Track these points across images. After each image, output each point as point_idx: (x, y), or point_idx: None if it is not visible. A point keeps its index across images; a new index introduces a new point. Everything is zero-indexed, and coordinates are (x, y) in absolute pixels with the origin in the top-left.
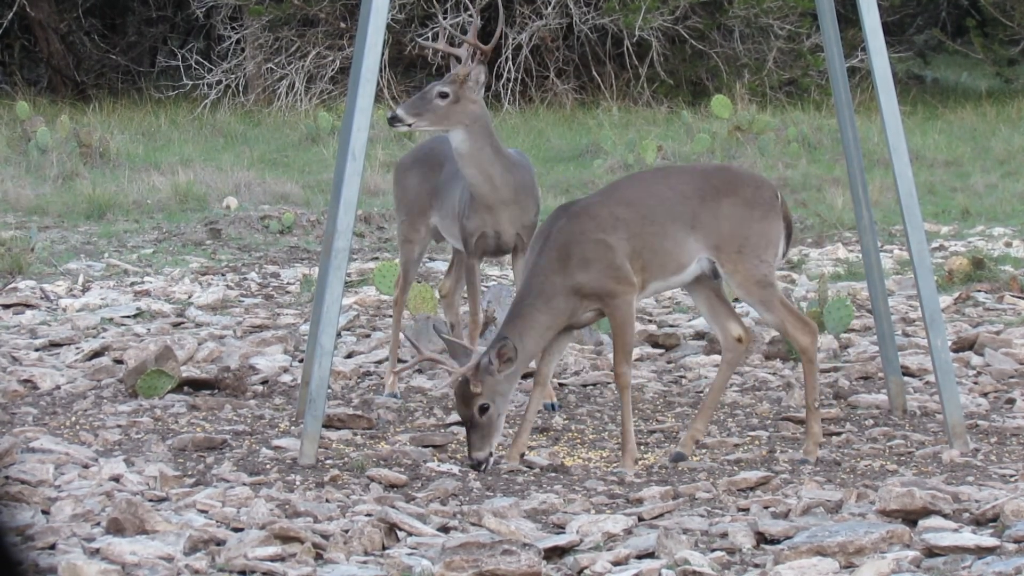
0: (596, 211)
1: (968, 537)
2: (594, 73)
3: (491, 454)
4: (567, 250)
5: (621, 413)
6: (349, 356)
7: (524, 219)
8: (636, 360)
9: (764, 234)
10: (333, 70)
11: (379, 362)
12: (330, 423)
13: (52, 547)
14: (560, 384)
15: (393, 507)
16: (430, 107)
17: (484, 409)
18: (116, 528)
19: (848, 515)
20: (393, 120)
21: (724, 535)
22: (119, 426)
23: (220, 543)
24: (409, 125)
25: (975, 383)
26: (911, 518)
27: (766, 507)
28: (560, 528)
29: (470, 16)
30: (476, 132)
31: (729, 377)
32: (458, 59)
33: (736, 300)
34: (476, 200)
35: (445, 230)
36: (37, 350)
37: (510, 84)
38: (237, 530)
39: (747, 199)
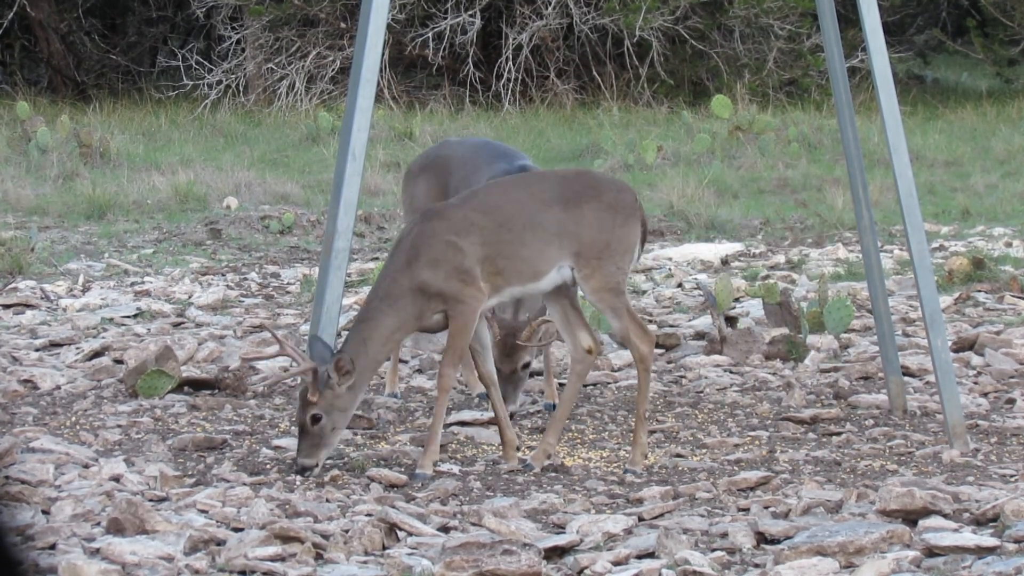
0: (451, 214)
1: (968, 537)
2: (594, 73)
3: (318, 464)
4: (416, 250)
5: (434, 411)
6: None
7: None
8: None
9: (624, 240)
10: (333, 70)
11: None
12: None
13: (52, 547)
14: (560, 384)
15: (393, 507)
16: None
17: (316, 419)
18: (116, 528)
19: (848, 515)
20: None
21: (724, 535)
22: (119, 426)
23: (220, 543)
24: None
25: (975, 383)
26: (911, 518)
27: (766, 507)
28: (560, 528)
29: (471, 17)
30: None
31: (579, 388)
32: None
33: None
34: None
35: None
36: (37, 350)
37: (510, 84)
38: (237, 530)
39: (609, 204)
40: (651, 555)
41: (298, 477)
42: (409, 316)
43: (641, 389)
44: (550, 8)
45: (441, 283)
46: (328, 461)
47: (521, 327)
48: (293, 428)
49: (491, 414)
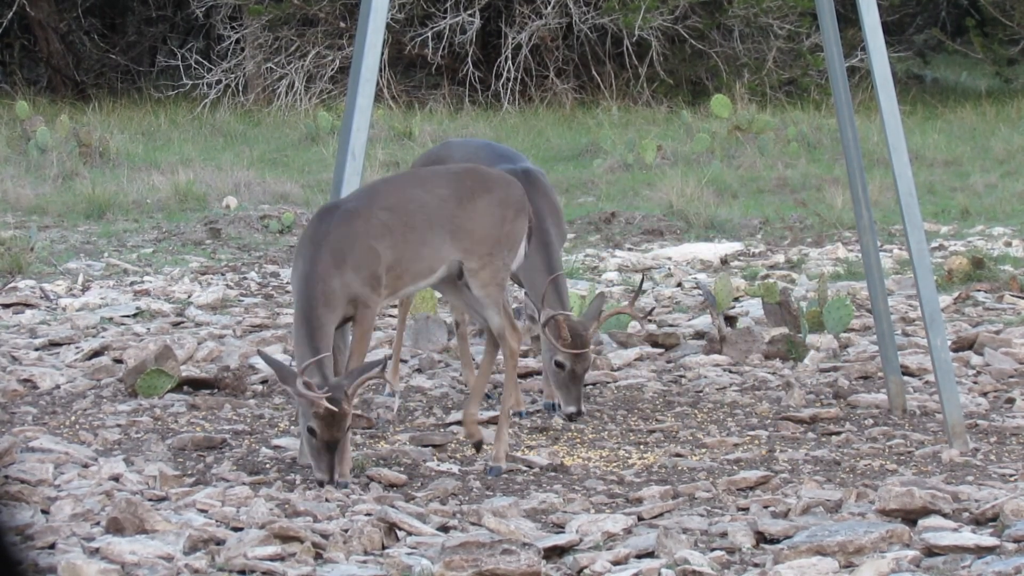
0: (366, 214)
1: (968, 536)
2: (594, 73)
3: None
4: (342, 253)
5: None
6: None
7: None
8: (636, 359)
9: (512, 235)
10: (333, 70)
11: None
12: None
13: (52, 546)
14: None
15: (393, 506)
16: None
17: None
18: (116, 527)
19: (848, 515)
20: None
21: (724, 534)
22: (119, 425)
23: (220, 542)
24: None
25: (975, 383)
26: (911, 517)
27: (766, 506)
28: (560, 528)
29: (470, 16)
30: None
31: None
32: None
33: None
34: None
35: None
36: (37, 349)
37: (510, 84)
38: (237, 529)
39: (501, 199)
40: (650, 555)
41: (297, 476)
42: (339, 320)
43: (509, 384)
44: (549, 8)
45: (358, 287)
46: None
47: (583, 328)
48: (292, 428)
49: (491, 413)
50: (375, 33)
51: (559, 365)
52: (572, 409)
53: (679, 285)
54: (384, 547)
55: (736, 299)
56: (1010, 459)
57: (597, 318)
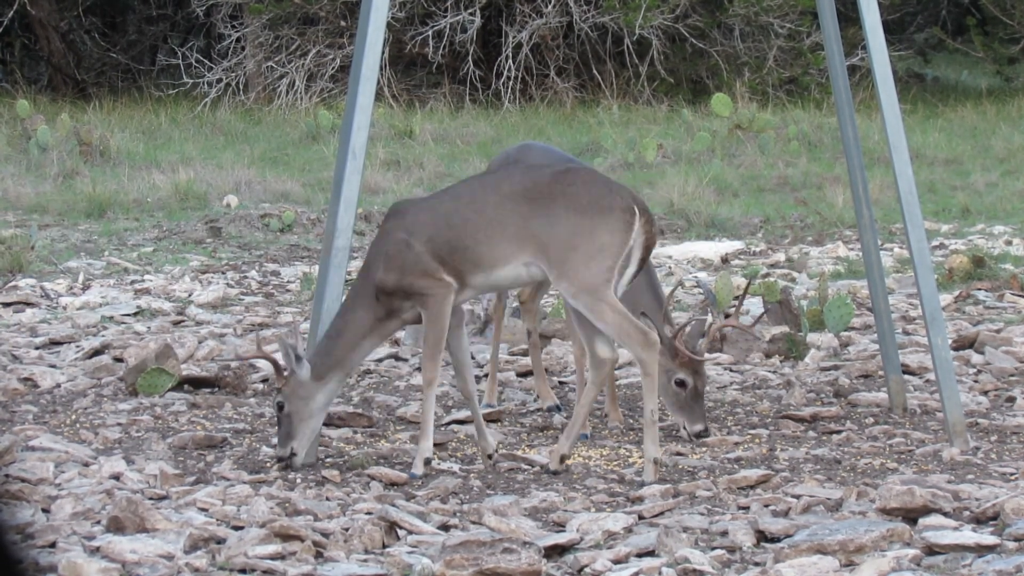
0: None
1: (968, 535)
2: (594, 71)
3: (293, 454)
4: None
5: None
6: None
7: None
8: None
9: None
10: (333, 68)
11: (379, 360)
12: (330, 421)
13: (52, 545)
14: (560, 383)
15: (393, 505)
16: None
17: (280, 406)
18: (116, 526)
19: (848, 513)
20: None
21: (724, 533)
22: (119, 424)
23: (220, 541)
24: None
25: (975, 381)
26: (911, 516)
27: (766, 505)
28: (560, 526)
29: (471, 15)
30: None
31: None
32: None
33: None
34: None
35: None
36: (37, 348)
37: (510, 82)
38: (237, 528)
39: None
40: (651, 553)
41: (298, 475)
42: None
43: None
44: (550, 6)
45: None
46: (328, 459)
47: (696, 344)
48: None
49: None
50: (376, 32)
51: (681, 384)
52: (700, 427)
53: (680, 284)
54: (385, 546)
55: (736, 298)
56: (1011, 458)
57: (703, 334)
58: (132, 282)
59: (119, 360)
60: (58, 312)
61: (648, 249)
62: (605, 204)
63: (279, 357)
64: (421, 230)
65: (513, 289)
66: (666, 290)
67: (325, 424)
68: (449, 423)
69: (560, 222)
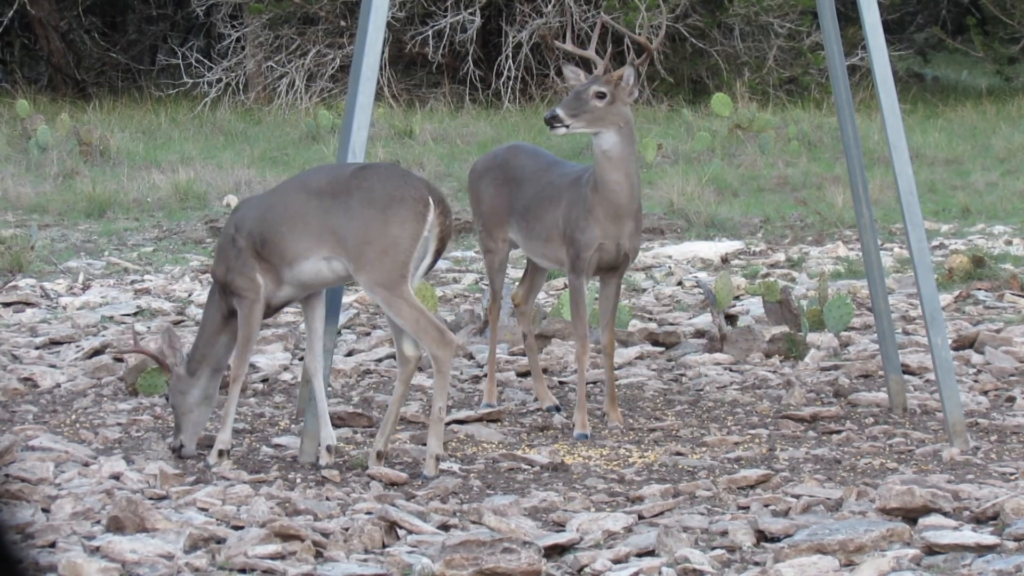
0: None
1: (968, 535)
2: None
3: (183, 446)
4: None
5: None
6: (349, 354)
7: (639, 233)
8: (637, 358)
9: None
10: (333, 68)
11: (379, 360)
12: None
13: (52, 545)
14: (560, 382)
15: (393, 505)
16: (587, 108)
17: (166, 399)
18: (116, 526)
19: (848, 513)
20: (552, 120)
21: (724, 533)
22: (119, 424)
23: (220, 541)
24: (567, 126)
25: (975, 381)
26: (911, 516)
27: (766, 505)
28: (560, 526)
29: (471, 15)
30: (626, 135)
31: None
32: (587, 63)
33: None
34: (605, 209)
35: (534, 251)
36: (37, 348)
37: (510, 82)
38: (237, 528)
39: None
40: (651, 553)
41: (298, 475)
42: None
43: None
44: (550, 6)
45: None
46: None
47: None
48: (293, 426)
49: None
50: (376, 31)
51: None
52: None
53: (679, 284)
54: (385, 545)
55: (736, 298)
56: (1010, 458)
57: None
58: (132, 282)
59: (119, 360)
60: (58, 312)
61: (443, 241)
62: (397, 195)
63: (158, 352)
64: (244, 225)
65: (325, 287)
66: (667, 290)
67: None
68: (449, 423)
69: (355, 216)
